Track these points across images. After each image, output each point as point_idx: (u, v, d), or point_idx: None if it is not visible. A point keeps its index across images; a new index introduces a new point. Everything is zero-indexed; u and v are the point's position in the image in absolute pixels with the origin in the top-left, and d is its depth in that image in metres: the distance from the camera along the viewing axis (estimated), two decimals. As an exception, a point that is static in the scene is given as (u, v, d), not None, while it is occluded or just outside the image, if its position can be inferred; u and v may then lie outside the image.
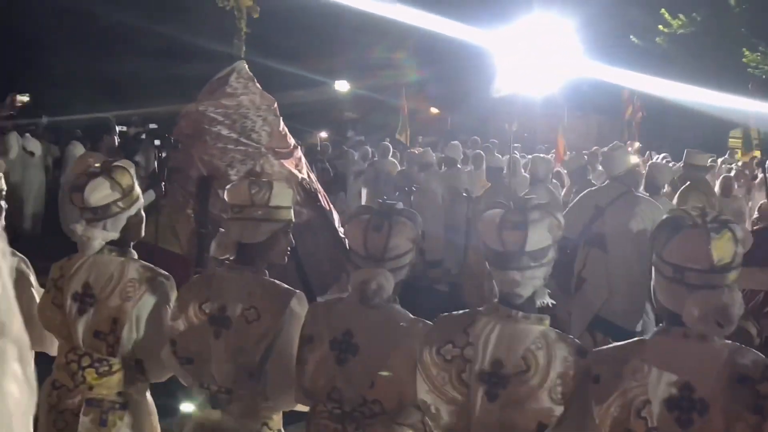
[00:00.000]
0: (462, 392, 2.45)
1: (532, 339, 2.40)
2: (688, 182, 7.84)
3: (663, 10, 22.26)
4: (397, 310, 2.75)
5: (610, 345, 2.50)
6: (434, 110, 26.01)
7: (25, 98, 6.61)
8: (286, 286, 3.02)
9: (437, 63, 24.99)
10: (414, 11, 21.56)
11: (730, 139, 19.74)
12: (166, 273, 3.19)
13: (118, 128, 15.09)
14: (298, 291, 3.00)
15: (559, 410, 2.35)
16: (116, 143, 7.23)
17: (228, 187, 3.15)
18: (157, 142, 8.28)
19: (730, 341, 2.27)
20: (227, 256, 3.05)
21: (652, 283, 2.38)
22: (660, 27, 22.56)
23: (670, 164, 11.62)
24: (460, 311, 2.61)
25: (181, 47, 23.85)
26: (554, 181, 9.88)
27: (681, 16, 22.15)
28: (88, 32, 26.10)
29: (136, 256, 3.23)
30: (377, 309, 2.69)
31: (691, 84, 19.10)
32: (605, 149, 7.03)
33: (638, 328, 5.86)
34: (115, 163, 3.19)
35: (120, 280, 3.09)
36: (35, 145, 12.67)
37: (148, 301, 3.11)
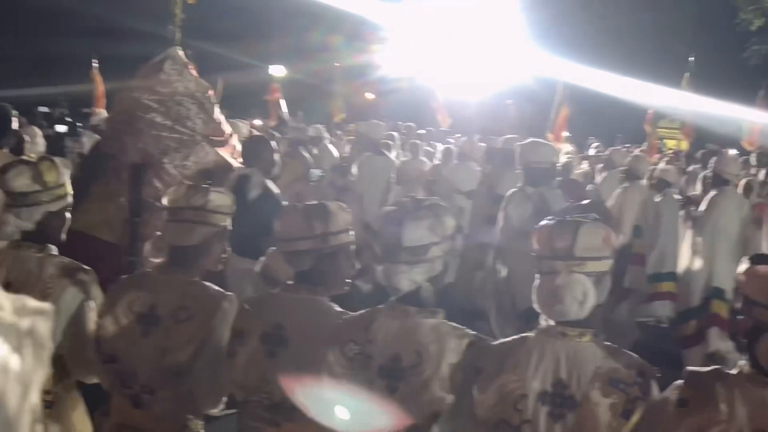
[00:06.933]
0: (365, 388, 2.52)
1: (424, 332, 2.50)
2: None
3: None
4: (326, 303, 2.80)
5: (500, 340, 2.61)
6: (369, 95, 25.93)
7: None
8: (218, 288, 3.01)
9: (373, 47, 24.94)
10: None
11: (659, 130, 20.14)
12: (87, 267, 3.13)
13: (41, 109, 14.37)
14: (230, 293, 3.00)
15: (450, 399, 2.44)
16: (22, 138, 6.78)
17: (168, 190, 3.12)
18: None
19: (608, 343, 2.39)
20: (161, 258, 3.03)
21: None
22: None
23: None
24: (362, 311, 2.68)
25: (113, 27, 23.30)
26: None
27: None
28: (19, 10, 25.37)
29: (55, 251, 3.16)
30: (308, 302, 2.75)
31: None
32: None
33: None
34: (45, 157, 3.18)
35: (39, 276, 3.03)
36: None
37: (69, 297, 3.04)
